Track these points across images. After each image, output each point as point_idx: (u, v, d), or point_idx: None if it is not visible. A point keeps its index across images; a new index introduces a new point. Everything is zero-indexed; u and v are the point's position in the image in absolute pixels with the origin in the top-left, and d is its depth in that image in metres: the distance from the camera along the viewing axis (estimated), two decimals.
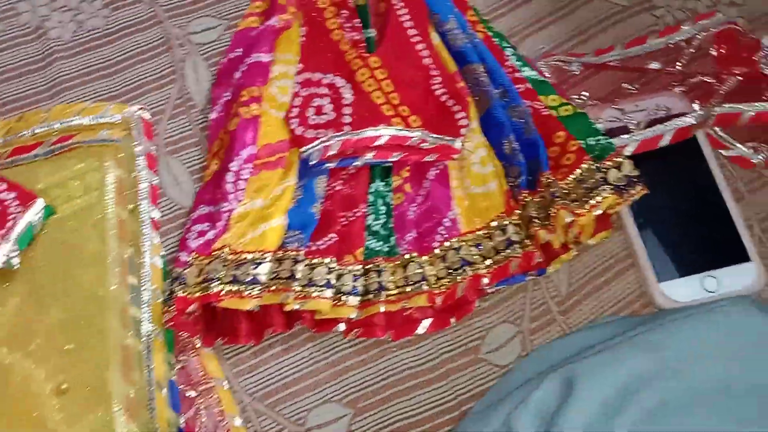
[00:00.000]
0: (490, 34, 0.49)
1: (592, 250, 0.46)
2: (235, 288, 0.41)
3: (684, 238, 0.45)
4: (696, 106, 0.48)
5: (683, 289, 0.43)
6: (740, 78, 0.49)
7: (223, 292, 0.41)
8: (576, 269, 0.45)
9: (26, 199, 0.43)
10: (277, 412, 0.43)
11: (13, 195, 0.43)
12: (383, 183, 0.45)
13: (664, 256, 0.44)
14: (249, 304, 0.41)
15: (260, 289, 0.41)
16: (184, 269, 0.42)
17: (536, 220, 0.42)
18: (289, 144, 0.45)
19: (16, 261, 0.41)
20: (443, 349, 0.44)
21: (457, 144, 0.44)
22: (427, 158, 0.45)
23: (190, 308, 0.41)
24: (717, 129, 0.48)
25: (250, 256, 0.42)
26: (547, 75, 0.49)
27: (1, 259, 0.41)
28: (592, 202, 0.41)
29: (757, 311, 0.34)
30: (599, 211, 0.41)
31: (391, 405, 0.43)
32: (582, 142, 0.44)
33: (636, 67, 0.51)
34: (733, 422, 0.33)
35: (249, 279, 0.41)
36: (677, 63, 0.50)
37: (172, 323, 0.41)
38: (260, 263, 0.42)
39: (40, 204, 0.43)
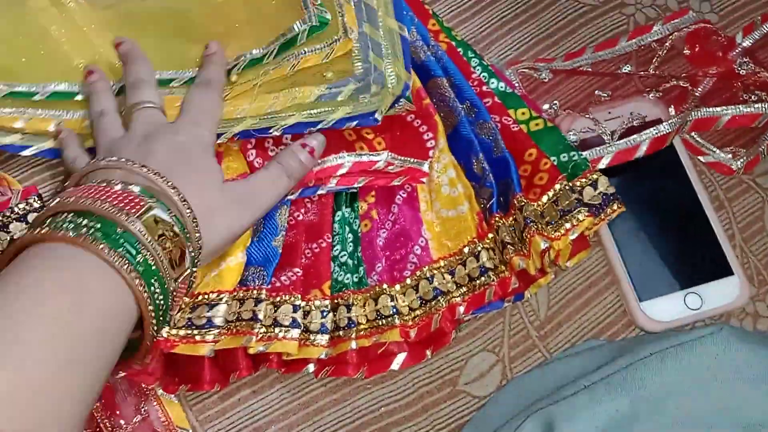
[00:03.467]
0: (453, 43, 0.47)
1: (571, 269, 0.44)
2: (188, 332, 0.38)
3: (664, 253, 0.43)
4: (672, 111, 0.46)
5: (665, 308, 0.41)
6: (714, 78, 0.47)
7: (176, 338, 0.38)
8: (555, 290, 0.43)
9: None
10: None
11: None
12: (349, 209, 0.43)
13: (644, 273, 0.42)
14: (203, 350, 0.38)
15: (216, 333, 0.38)
16: None
17: (510, 246, 0.40)
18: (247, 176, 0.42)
19: None
20: (420, 382, 0.42)
21: (425, 167, 0.42)
22: (395, 182, 0.42)
23: None
24: (694, 134, 0.47)
25: (205, 298, 0.39)
26: (515, 84, 0.47)
27: None
28: (568, 225, 0.39)
29: (736, 341, 0.33)
30: (575, 235, 0.39)
31: None
32: (554, 158, 0.42)
33: (608, 72, 0.49)
34: None
35: (203, 323, 0.39)
36: (650, 65, 0.49)
37: (125, 373, 0.38)
38: (215, 305, 0.39)
39: None
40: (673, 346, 0.34)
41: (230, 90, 0.42)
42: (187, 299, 0.39)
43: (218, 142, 0.40)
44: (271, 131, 0.40)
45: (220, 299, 0.39)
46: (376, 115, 0.40)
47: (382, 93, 0.41)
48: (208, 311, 0.39)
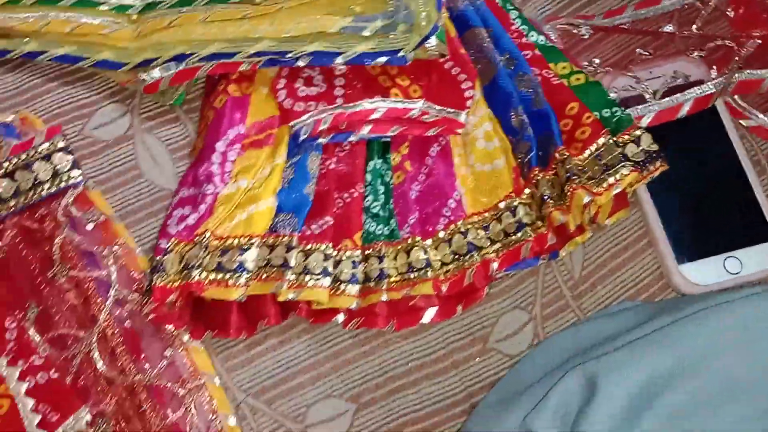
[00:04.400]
0: None
1: (608, 230, 0.43)
2: (219, 276, 0.38)
3: (704, 217, 0.42)
4: (714, 72, 0.45)
5: (704, 271, 0.40)
6: (759, 41, 0.46)
7: (206, 281, 0.37)
8: (590, 250, 0.42)
9: None
10: (274, 409, 0.40)
11: None
12: (381, 160, 0.42)
13: (683, 236, 0.41)
14: (235, 294, 0.37)
15: (248, 278, 0.38)
16: (163, 256, 0.38)
17: (550, 200, 0.39)
18: (278, 120, 0.41)
19: None
20: (450, 338, 0.41)
21: (462, 117, 0.41)
22: (429, 132, 0.41)
23: (170, 298, 0.38)
24: (736, 97, 0.45)
25: (236, 242, 0.39)
26: (554, 39, 0.46)
27: None
28: (611, 180, 0.38)
29: None
30: (618, 190, 0.38)
31: (396, 399, 0.40)
32: (597, 113, 0.41)
33: (649, 30, 0.47)
34: (759, 418, 0.32)
35: (235, 266, 0.38)
36: (693, 26, 0.47)
37: (153, 315, 0.38)
38: (247, 249, 0.38)
39: None
40: (716, 305, 0.34)
41: (252, 10, 0.40)
42: (216, 242, 0.38)
43: (240, 69, 0.39)
44: (288, 56, 0.39)
45: (252, 243, 0.38)
46: (402, 54, 0.39)
47: (410, 32, 0.39)
48: (239, 255, 0.38)
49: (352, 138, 0.41)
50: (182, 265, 0.38)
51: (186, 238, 0.39)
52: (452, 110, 0.41)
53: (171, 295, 0.37)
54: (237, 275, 0.37)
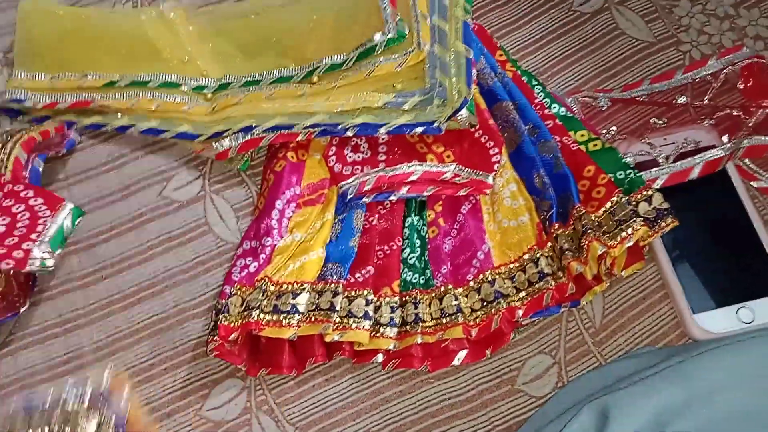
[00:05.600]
0: (518, 72, 0.51)
1: (626, 281, 0.46)
2: (275, 317, 0.43)
3: (717, 270, 0.45)
4: (725, 139, 0.49)
5: (718, 321, 0.43)
6: (767, 110, 0.50)
7: (263, 321, 0.42)
8: (610, 300, 0.46)
9: (54, 203, 0.46)
10: None
11: (41, 201, 0.46)
12: (418, 217, 0.47)
13: (697, 287, 0.44)
14: (288, 333, 0.42)
15: (299, 319, 0.43)
16: (228, 299, 0.44)
17: (568, 252, 0.43)
18: (329, 182, 0.47)
19: (50, 263, 0.43)
20: (480, 380, 0.45)
21: (490, 179, 0.46)
22: (461, 192, 0.46)
23: (232, 336, 0.43)
24: (746, 160, 0.49)
25: (290, 287, 0.44)
26: (575, 110, 0.51)
27: (37, 261, 0.43)
28: (624, 234, 0.42)
29: None
30: (631, 243, 0.42)
31: None
32: (612, 175, 0.45)
33: (664, 102, 0.52)
34: None
35: (288, 308, 0.43)
36: (704, 97, 0.51)
37: (217, 352, 0.43)
38: (299, 293, 0.44)
39: (68, 207, 0.46)
40: (727, 344, 0.36)
41: (309, 88, 0.47)
42: (273, 287, 0.44)
43: (297, 139, 0.46)
44: (338, 127, 0.45)
45: (303, 288, 0.43)
46: (436, 125, 0.44)
47: (444, 106, 0.45)
48: (292, 298, 0.43)
49: (393, 197, 0.46)
50: (243, 307, 0.43)
51: (247, 284, 0.44)
52: (481, 173, 0.46)
53: (233, 333, 0.43)
54: (290, 316, 0.43)
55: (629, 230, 0.42)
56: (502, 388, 0.44)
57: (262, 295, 0.43)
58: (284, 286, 0.44)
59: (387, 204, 0.47)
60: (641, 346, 0.44)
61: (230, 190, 0.51)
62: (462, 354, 0.44)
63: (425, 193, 0.46)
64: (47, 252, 0.44)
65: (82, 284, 0.48)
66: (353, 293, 0.44)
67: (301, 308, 0.43)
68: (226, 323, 0.43)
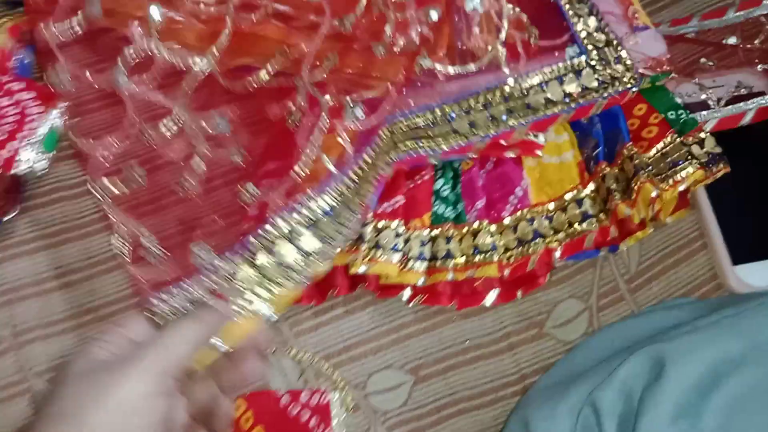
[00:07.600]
0: None
1: (664, 229, 0.44)
2: None
3: (760, 220, 0.43)
4: None
5: (758, 273, 0.42)
6: None
7: None
8: (647, 248, 0.44)
9: (48, 98, 0.40)
10: (337, 375, 0.41)
11: (33, 95, 0.40)
12: None
13: (739, 238, 0.43)
14: None
15: None
16: None
17: (616, 194, 0.40)
18: None
19: (41, 165, 0.39)
20: (507, 321, 0.43)
21: (541, 139, 0.42)
22: (507, 154, 0.43)
23: None
24: None
25: None
26: None
27: (25, 163, 0.39)
28: (678, 177, 0.40)
29: None
30: (684, 186, 0.40)
31: (452, 375, 0.42)
32: (663, 115, 0.43)
33: (713, 41, 0.49)
34: None
35: None
36: (756, 40, 0.49)
37: None
38: None
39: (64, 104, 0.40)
40: None
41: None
42: None
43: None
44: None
45: None
46: None
47: None
48: None
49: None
50: None
51: None
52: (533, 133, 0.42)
53: None
54: None
55: (683, 173, 0.40)
56: (530, 331, 0.42)
57: None
58: None
59: None
60: (674, 297, 0.43)
61: None
62: (493, 294, 0.42)
63: (470, 155, 0.42)
64: (40, 152, 0.39)
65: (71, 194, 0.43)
66: (382, 224, 0.41)
67: None
68: None
